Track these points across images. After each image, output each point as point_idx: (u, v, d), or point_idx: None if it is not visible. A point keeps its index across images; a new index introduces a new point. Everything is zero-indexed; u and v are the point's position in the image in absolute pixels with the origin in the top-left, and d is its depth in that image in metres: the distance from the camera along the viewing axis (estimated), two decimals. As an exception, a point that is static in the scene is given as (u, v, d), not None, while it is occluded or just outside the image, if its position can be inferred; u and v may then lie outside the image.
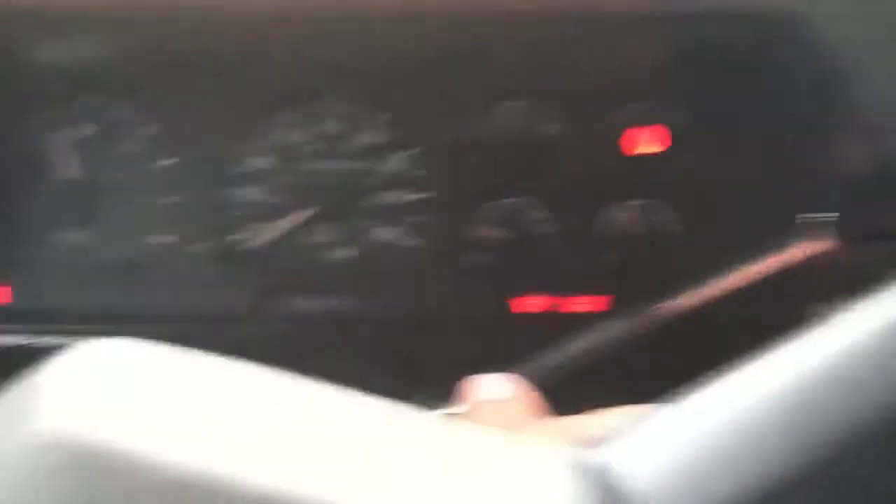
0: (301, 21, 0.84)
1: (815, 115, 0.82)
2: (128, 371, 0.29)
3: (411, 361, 0.84)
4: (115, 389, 0.28)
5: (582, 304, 0.88)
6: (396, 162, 0.88)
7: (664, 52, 0.86)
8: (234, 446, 0.27)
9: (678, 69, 0.86)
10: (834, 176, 0.82)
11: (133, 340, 0.32)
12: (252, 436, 0.28)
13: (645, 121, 0.88)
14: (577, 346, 0.64)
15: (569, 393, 0.62)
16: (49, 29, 0.84)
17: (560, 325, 0.80)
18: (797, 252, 0.63)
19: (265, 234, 0.88)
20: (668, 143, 0.88)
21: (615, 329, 0.65)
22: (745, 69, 0.85)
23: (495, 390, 0.53)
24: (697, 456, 0.26)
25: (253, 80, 0.86)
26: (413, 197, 0.88)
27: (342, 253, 0.89)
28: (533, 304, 0.88)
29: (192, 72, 0.86)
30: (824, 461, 0.24)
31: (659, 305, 0.65)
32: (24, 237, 0.87)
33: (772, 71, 0.83)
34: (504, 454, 0.30)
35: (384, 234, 0.89)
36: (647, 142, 0.89)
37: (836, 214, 0.68)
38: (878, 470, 0.25)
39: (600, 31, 0.85)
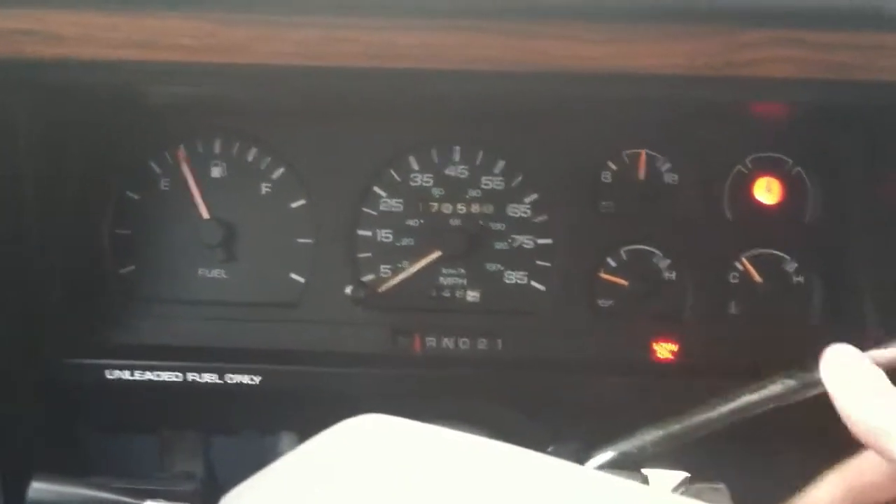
0: (435, 71, 0.86)
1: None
2: (390, 447, 0.32)
3: (549, 404, 0.86)
4: (382, 465, 0.30)
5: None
6: (528, 208, 0.91)
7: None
8: None
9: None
10: None
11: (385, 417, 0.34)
12: None
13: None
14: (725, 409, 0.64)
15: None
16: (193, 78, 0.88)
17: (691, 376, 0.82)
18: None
19: (401, 275, 0.90)
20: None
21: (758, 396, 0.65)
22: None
23: None
24: None
25: (388, 127, 0.89)
26: (548, 241, 0.91)
27: (475, 295, 0.92)
28: (671, 351, 0.89)
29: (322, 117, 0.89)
30: None
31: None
32: (170, 274, 0.91)
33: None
34: None
35: (519, 276, 0.91)
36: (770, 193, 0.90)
37: None
38: None
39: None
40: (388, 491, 0.30)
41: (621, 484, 0.34)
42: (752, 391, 0.58)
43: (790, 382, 0.60)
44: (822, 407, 0.51)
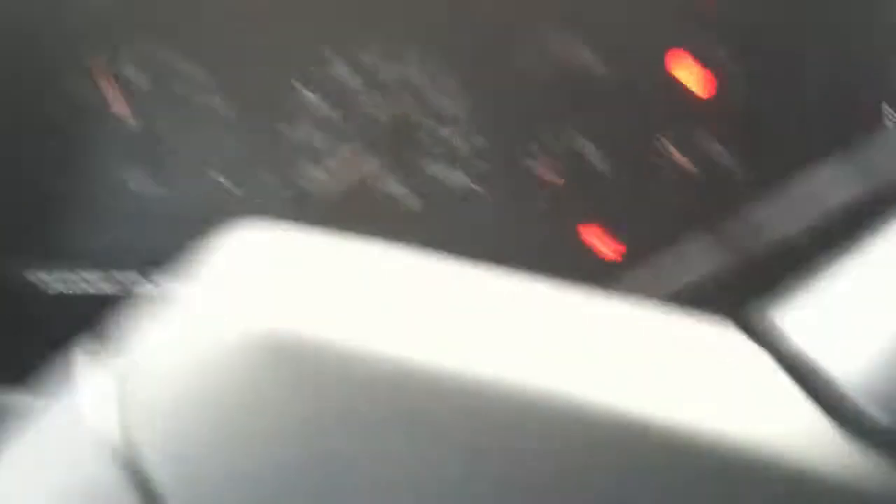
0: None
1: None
2: (289, 256, 0.31)
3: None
4: (286, 278, 0.30)
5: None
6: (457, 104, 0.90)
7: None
8: (406, 329, 0.28)
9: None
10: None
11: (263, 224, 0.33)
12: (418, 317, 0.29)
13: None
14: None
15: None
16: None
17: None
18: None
19: (330, 177, 0.89)
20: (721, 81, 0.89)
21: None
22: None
23: None
24: (847, 308, 0.28)
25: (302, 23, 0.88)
26: (471, 139, 0.90)
27: (403, 193, 0.91)
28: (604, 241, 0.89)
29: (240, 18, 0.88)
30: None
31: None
32: (99, 186, 0.90)
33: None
34: (668, 326, 0.31)
35: (445, 173, 0.90)
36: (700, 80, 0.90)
37: None
38: None
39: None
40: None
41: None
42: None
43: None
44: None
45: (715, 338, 0.30)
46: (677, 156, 0.90)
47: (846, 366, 0.27)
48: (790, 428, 0.26)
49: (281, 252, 0.31)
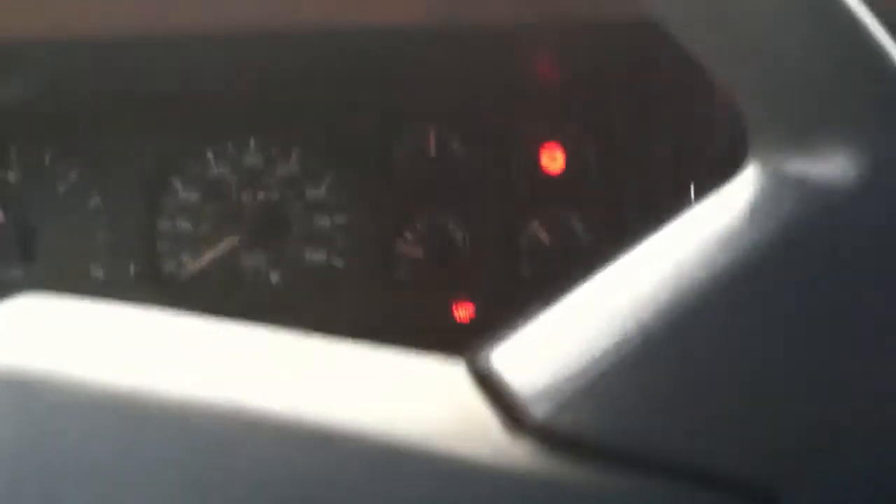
0: (209, 55, 0.88)
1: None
2: (53, 315, 0.33)
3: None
4: (43, 329, 0.32)
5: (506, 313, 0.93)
6: (324, 188, 0.93)
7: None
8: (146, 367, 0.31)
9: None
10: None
11: (54, 295, 0.36)
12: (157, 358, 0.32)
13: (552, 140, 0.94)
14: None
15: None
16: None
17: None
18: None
19: (201, 261, 0.92)
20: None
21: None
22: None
23: None
24: (572, 350, 0.31)
25: (181, 122, 0.91)
26: (339, 220, 0.93)
27: (277, 276, 0.93)
28: (467, 313, 0.92)
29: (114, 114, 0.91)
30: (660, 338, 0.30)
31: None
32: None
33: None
34: (395, 367, 0.34)
35: (319, 255, 0.93)
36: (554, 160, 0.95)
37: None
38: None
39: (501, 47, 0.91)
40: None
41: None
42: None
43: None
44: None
45: (434, 374, 0.33)
46: (537, 230, 0.94)
47: (525, 374, 0.31)
48: (463, 426, 0.29)
49: (51, 316, 0.34)
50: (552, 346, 0.32)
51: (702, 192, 0.66)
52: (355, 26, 0.73)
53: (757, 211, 0.31)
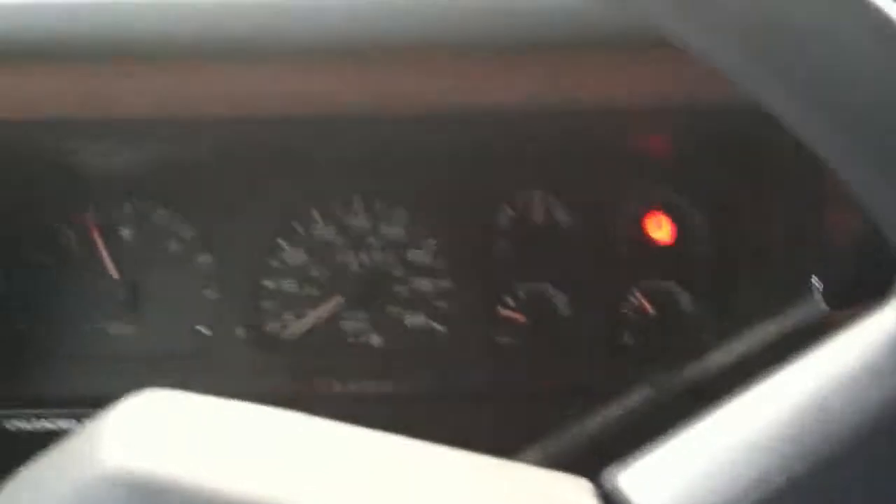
0: (322, 123, 0.90)
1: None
2: (180, 415, 0.34)
3: (456, 441, 0.87)
4: (169, 431, 0.33)
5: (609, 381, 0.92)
6: (427, 252, 0.94)
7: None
8: (278, 478, 0.31)
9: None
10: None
11: (180, 391, 0.36)
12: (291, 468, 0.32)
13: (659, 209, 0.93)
14: (599, 419, 0.68)
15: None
16: (95, 137, 0.91)
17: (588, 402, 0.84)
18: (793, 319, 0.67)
19: (304, 321, 0.93)
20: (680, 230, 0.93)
21: (632, 403, 0.69)
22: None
23: None
24: (704, 474, 0.30)
25: (289, 182, 0.93)
26: (442, 284, 0.93)
27: (379, 339, 0.94)
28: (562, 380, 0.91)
29: (227, 175, 0.93)
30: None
31: (668, 378, 0.69)
32: (76, 330, 0.93)
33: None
34: (523, 482, 0.34)
35: (419, 319, 0.94)
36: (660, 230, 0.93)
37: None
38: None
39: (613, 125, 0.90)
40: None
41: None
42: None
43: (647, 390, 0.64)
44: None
45: (561, 492, 0.33)
46: (640, 299, 0.93)
47: (655, 498, 0.30)
48: None
49: (174, 413, 0.35)
50: (685, 472, 0.31)
51: (826, 284, 0.65)
52: (465, 107, 0.74)
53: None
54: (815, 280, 0.65)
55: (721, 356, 0.70)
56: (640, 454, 0.33)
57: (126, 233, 0.94)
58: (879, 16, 0.28)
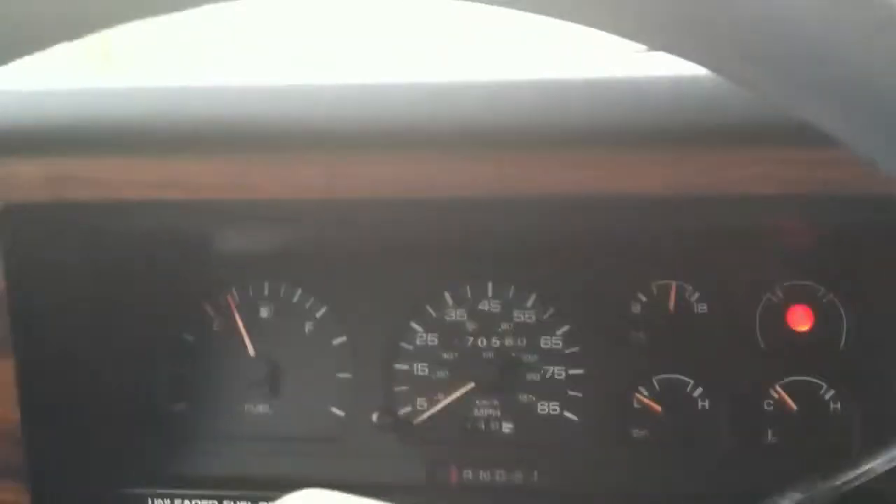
0: (459, 208, 0.91)
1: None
2: None
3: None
4: None
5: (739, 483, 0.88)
6: (560, 339, 0.93)
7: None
8: None
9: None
10: None
11: (327, 491, 0.37)
12: None
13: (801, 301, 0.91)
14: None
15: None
16: (238, 220, 0.94)
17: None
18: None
19: (436, 406, 0.93)
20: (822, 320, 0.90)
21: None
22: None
23: None
24: None
25: (424, 266, 0.94)
26: (575, 372, 0.92)
27: (510, 426, 0.93)
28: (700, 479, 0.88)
29: (362, 257, 0.94)
30: None
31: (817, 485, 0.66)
32: (216, 410, 0.96)
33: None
34: None
35: (552, 407, 0.93)
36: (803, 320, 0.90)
37: None
38: None
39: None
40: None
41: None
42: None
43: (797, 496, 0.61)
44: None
45: None
46: (780, 394, 0.89)
47: None
48: None
49: None
50: None
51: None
52: (602, 194, 0.73)
53: None
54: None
55: (875, 461, 0.67)
56: None
57: (264, 311, 0.96)
58: None
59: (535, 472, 0.91)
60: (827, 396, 0.89)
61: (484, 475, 0.92)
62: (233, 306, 0.96)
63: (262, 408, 0.95)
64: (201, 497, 0.89)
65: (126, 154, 0.73)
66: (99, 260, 0.89)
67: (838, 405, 0.89)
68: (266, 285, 0.97)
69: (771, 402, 0.90)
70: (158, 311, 0.96)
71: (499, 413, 0.93)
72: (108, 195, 0.74)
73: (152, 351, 0.96)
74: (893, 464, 0.66)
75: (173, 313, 0.97)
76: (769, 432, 0.89)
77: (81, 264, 0.87)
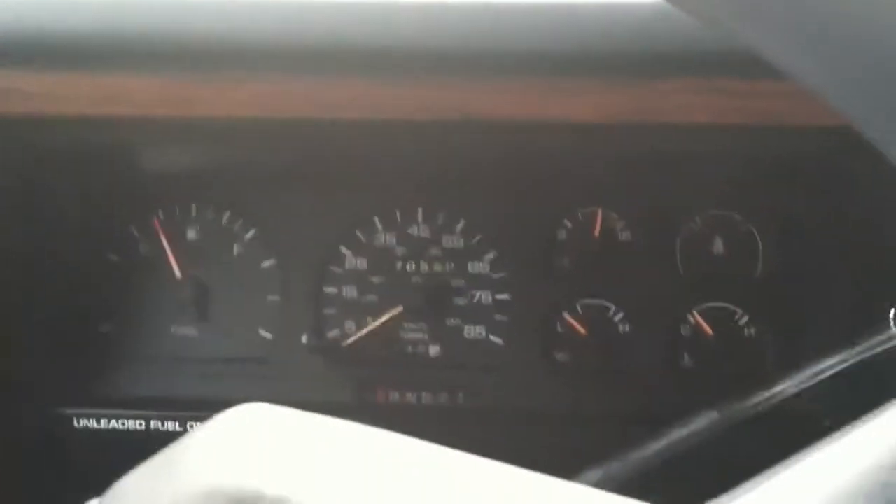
0: (387, 131, 0.90)
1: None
2: (268, 430, 0.35)
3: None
4: (258, 446, 0.34)
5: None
6: (487, 265, 0.94)
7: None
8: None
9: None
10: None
11: (270, 406, 0.37)
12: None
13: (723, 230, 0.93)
14: (663, 444, 0.68)
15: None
16: (168, 138, 0.92)
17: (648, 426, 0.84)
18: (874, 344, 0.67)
19: (365, 329, 0.94)
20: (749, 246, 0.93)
21: (697, 428, 0.69)
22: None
23: None
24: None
25: (354, 191, 0.94)
26: (501, 297, 0.94)
27: (437, 349, 0.95)
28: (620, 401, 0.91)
29: (292, 181, 0.94)
30: None
31: (733, 405, 0.69)
32: (143, 332, 0.95)
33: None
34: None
35: (478, 331, 0.95)
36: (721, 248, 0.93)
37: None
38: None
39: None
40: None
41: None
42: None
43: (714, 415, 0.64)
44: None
45: None
46: (696, 319, 0.92)
47: None
48: None
49: (272, 428, 0.36)
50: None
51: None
52: (530, 120, 0.74)
53: None
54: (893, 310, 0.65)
55: (790, 384, 0.70)
56: (727, 496, 0.34)
57: (191, 234, 0.96)
58: None
59: (461, 394, 0.93)
60: (742, 322, 0.93)
61: (410, 396, 0.93)
62: (158, 227, 0.95)
63: (190, 330, 0.95)
64: (129, 417, 0.89)
65: (66, 69, 0.72)
66: (30, 179, 0.87)
67: (752, 331, 0.92)
68: (193, 206, 0.96)
69: (688, 326, 0.93)
70: (85, 232, 0.95)
71: (426, 336, 0.95)
72: (46, 109, 0.73)
73: (79, 271, 0.94)
74: (803, 385, 0.69)
75: (100, 234, 0.95)
76: (686, 356, 0.93)
77: (10, 183, 0.85)
